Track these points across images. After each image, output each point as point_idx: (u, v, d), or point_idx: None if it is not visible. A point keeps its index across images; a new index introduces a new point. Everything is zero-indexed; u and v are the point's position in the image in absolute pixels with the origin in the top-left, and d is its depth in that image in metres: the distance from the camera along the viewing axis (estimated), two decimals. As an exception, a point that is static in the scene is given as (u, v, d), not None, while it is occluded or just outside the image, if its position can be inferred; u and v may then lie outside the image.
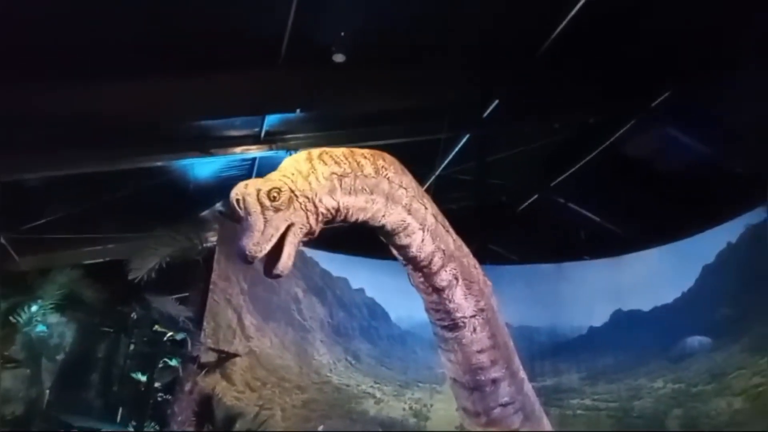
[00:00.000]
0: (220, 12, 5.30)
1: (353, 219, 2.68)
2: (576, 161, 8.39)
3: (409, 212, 2.84)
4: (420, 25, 5.87)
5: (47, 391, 7.17)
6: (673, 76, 6.72)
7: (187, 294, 6.74)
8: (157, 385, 7.69)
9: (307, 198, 2.41)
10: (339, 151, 2.67)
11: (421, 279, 3.04)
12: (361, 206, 2.66)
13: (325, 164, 2.56)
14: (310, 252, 7.39)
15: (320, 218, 2.49)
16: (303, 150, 7.51)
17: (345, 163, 2.62)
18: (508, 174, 9.08)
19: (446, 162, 8.01)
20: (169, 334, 7.83)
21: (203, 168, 7.84)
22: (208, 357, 6.08)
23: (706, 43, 6.09)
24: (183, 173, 7.87)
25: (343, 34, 5.23)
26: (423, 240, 2.89)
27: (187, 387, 5.77)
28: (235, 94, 6.24)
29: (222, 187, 8.01)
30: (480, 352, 3.12)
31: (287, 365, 6.67)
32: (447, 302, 3.04)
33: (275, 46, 5.76)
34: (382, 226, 2.80)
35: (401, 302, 7.58)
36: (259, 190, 2.30)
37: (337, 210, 2.57)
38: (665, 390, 6.42)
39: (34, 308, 7.11)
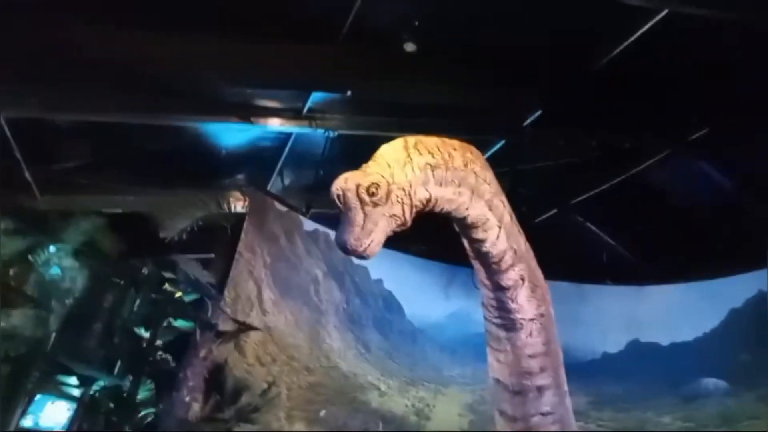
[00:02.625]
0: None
1: (439, 209, 2.75)
2: (601, 183, 8.36)
3: (490, 208, 2.91)
4: (484, 25, 5.80)
5: (53, 334, 7.12)
6: (714, 114, 6.70)
7: (210, 259, 6.69)
8: (158, 343, 7.68)
9: (404, 191, 2.47)
10: (432, 141, 2.71)
11: (488, 275, 3.09)
12: (449, 198, 2.71)
13: (420, 154, 2.59)
14: (333, 234, 7.30)
15: (413, 209, 2.55)
16: (342, 131, 7.47)
17: (438, 154, 2.66)
18: (532, 185, 9.04)
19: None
20: (178, 294, 7.80)
21: (236, 135, 7.74)
22: (226, 326, 6.03)
23: (753, 88, 6.06)
24: (215, 137, 7.78)
25: (417, 23, 5.12)
26: (498, 237, 2.96)
27: (202, 353, 5.73)
28: (286, 65, 6.15)
29: (253, 157, 7.94)
30: (532, 356, 3.14)
31: (299, 345, 6.63)
32: (509, 302, 3.08)
33: (337, 24, 5.68)
34: (464, 218, 2.85)
35: (418, 299, 7.56)
36: (358, 186, 2.34)
37: (429, 201, 2.63)
38: (672, 427, 6.41)
39: (52, 249, 7.04)
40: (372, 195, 2.33)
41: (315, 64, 6.03)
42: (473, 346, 7.42)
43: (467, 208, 2.79)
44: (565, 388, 3.40)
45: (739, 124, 6.55)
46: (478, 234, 2.94)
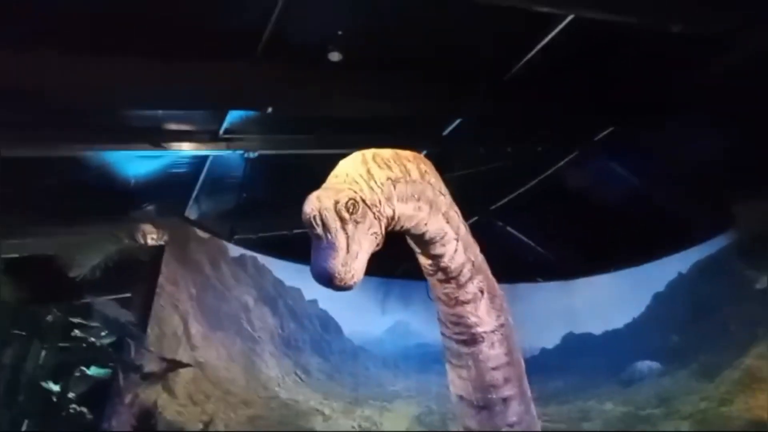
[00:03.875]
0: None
1: (399, 227, 2.53)
2: (517, 187, 8.63)
3: (447, 221, 2.75)
4: (402, 39, 5.82)
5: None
6: (618, 113, 7.12)
7: (127, 298, 6.16)
8: (71, 395, 6.97)
9: (376, 206, 2.26)
10: (387, 153, 2.52)
11: (446, 291, 2.90)
12: (410, 214, 2.51)
13: (380, 168, 2.40)
14: (262, 259, 7.02)
15: (384, 228, 2.34)
16: (260, 151, 7.19)
17: (395, 167, 2.47)
18: (453, 194, 9.17)
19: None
20: (91, 339, 7.14)
21: (146, 163, 7.26)
22: (152, 366, 5.53)
23: (652, 86, 6.51)
24: (123, 166, 7.25)
25: (340, 32, 5.03)
26: (456, 250, 2.79)
27: (128, 399, 5.21)
28: (200, 83, 5.81)
29: (166, 184, 7.46)
30: (495, 369, 3.00)
31: (233, 378, 6.23)
32: (470, 316, 2.90)
33: (254, 37, 5.42)
34: (422, 235, 2.66)
35: (355, 317, 7.39)
36: (336, 203, 2.09)
37: (392, 218, 2.41)
38: (614, 412, 6.62)
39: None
40: (351, 212, 2.09)
41: (231, 81, 5.72)
42: (414, 358, 7.37)
43: (426, 224, 2.61)
44: (529, 395, 3.32)
45: (641, 121, 7.00)
46: (436, 249, 2.76)
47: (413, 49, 5.98)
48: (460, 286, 2.89)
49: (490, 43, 6.17)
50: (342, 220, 2.07)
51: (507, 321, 3.13)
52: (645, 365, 6.65)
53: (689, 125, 6.61)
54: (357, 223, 2.11)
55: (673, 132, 6.83)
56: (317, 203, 2.07)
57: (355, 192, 2.18)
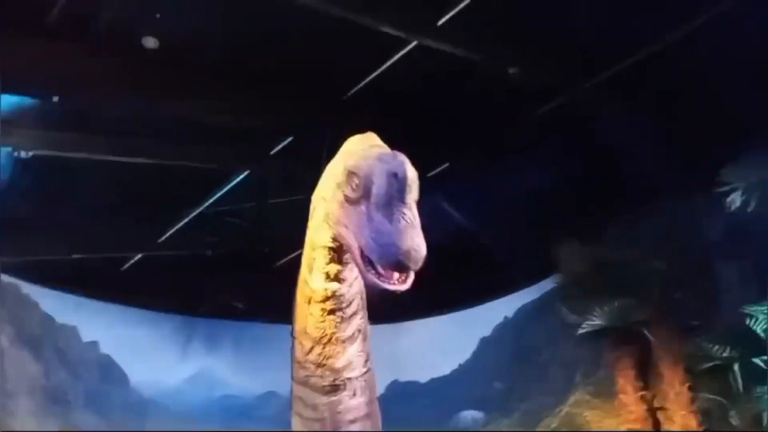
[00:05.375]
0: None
1: None
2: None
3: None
4: (233, 41, 5.17)
5: None
6: (453, 150, 7.21)
7: None
8: None
9: None
10: None
11: (325, 324, 2.37)
12: None
13: None
14: (28, 288, 5.60)
15: None
16: (36, 151, 5.84)
17: None
18: (278, 223, 8.58)
19: (215, 198, 7.13)
20: None
21: None
22: None
23: (486, 127, 6.71)
24: None
25: (158, 15, 4.25)
26: (356, 277, 2.31)
27: None
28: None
29: None
30: (353, 422, 2.50)
31: (-32, 447, 4.71)
32: (339, 357, 2.39)
33: (42, 7, 4.34)
34: (340, 248, 2.24)
35: (146, 363, 6.33)
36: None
37: None
38: (440, 469, 6.39)
39: None
40: None
41: (6, 58, 4.51)
42: (218, 412, 6.53)
43: (344, 238, 2.28)
44: None
45: (473, 161, 7.15)
46: (344, 272, 2.31)
47: (247, 55, 5.36)
48: (343, 320, 2.38)
49: (329, 62, 5.82)
50: None
51: (371, 366, 2.65)
52: (469, 415, 6.60)
53: (515, 169, 6.87)
54: None
55: (500, 174, 7.06)
56: (411, 168, 1.73)
57: None
